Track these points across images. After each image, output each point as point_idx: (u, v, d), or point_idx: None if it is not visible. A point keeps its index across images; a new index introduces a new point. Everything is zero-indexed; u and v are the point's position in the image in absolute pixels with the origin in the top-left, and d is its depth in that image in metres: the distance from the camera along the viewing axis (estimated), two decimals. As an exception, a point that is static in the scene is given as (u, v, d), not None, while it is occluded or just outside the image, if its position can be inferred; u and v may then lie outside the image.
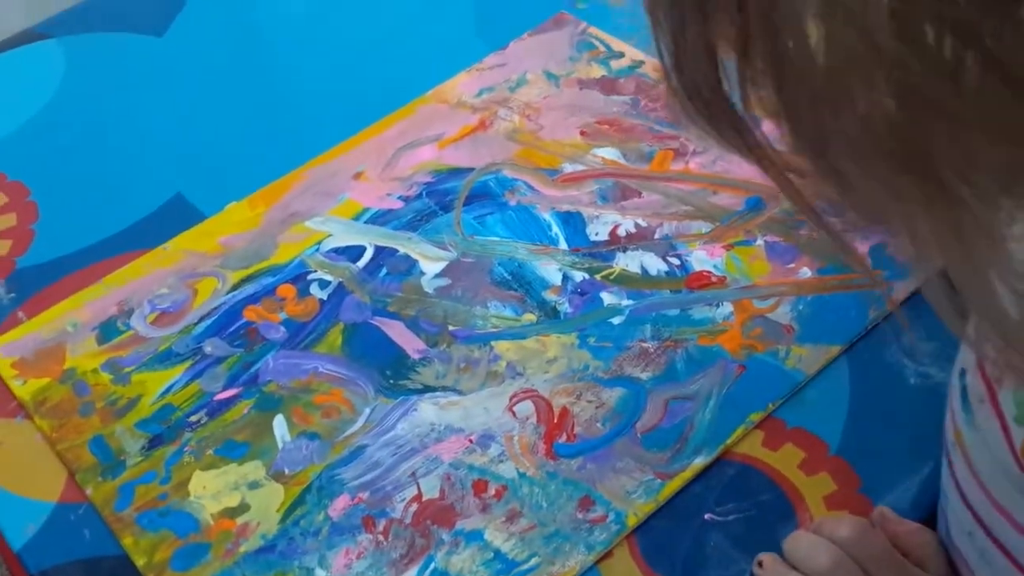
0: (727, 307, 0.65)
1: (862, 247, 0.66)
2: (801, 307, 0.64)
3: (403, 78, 0.82)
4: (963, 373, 0.47)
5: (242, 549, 0.56)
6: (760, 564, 0.52)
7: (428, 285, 0.68)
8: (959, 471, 0.48)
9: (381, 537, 0.56)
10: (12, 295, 0.70)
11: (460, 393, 0.62)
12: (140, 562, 0.56)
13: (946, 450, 0.49)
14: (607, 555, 0.54)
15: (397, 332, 0.66)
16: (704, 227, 0.69)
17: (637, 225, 0.70)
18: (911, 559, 0.51)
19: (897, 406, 0.59)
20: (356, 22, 0.89)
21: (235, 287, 0.69)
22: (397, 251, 0.70)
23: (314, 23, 0.89)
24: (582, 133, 0.77)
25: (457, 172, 0.75)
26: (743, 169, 0.71)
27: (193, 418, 0.62)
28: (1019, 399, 0.43)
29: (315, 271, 0.69)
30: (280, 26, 0.90)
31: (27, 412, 0.63)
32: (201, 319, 0.67)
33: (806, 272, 0.66)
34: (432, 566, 0.54)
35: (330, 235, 0.72)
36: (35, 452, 0.61)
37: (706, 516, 0.55)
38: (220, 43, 0.88)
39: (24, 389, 0.64)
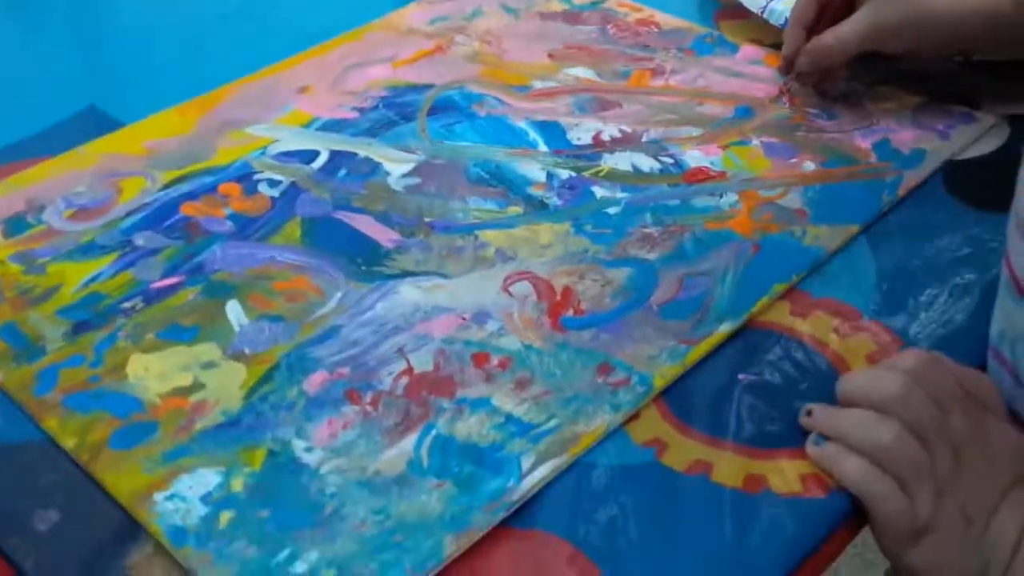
0: (732, 196, 0.64)
1: (864, 143, 0.67)
2: (811, 194, 0.64)
3: (341, 15, 0.81)
4: None
5: (198, 426, 0.50)
6: (809, 413, 0.50)
7: (396, 184, 0.65)
8: None
9: (370, 408, 0.51)
10: None
11: (445, 277, 0.59)
12: (69, 443, 0.50)
13: (1018, 288, 0.49)
14: (634, 417, 0.51)
15: (366, 224, 0.62)
16: (694, 131, 0.70)
17: (622, 131, 0.70)
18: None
19: (926, 272, 0.59)
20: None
21: (168, 186, 0.65)
22: (356, 155, 0.68)
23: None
24: (550, 56, 0.77)
25: (415, 88, 0.74)
26: (727, 85, 0.72)
27: (126, 304, 0.57)
28: None
29: (262, 172, 0.66)
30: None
31: (-83, 305, 0.57)
32: (128, 214, 0.63)
33: (810, 166, 0.66)
34: (434, 432, 0.50)
35: (277, 140, 0.69)
36: (-72, 343, 0.55)
37: (740, 377, 0.53)
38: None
39: (-88, 281, 0.57)
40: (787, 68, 0.72)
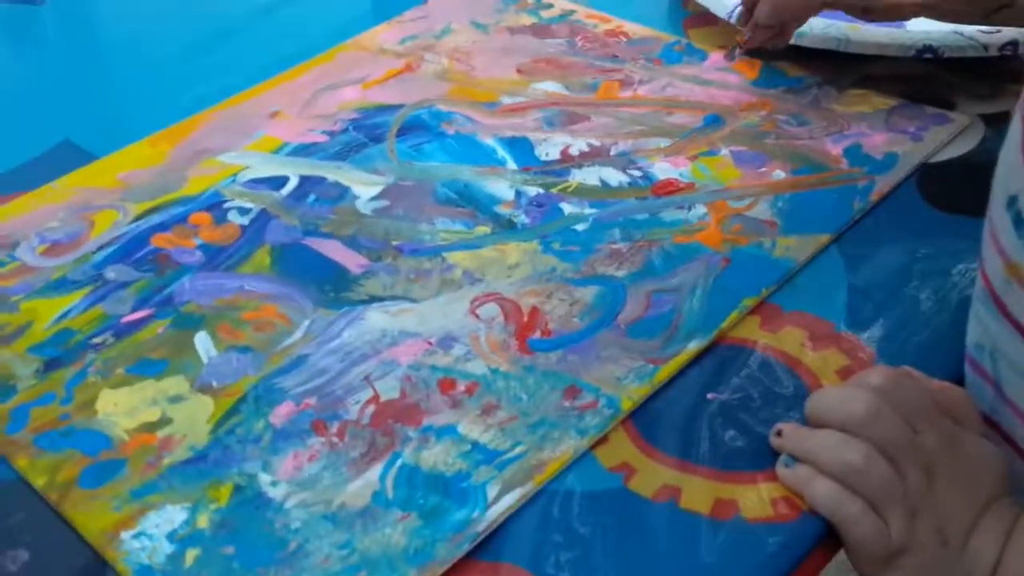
0: (700, 208, 0.63)
1: (835, 149, 0.66)
2: (780, 204, 0.63)
3: (310, 38, 0.80)
4: (1013, 200, 0.45)
5: (166, 462, 0.49)
6: (779, 433, 0.49)
7: (364, 207, 0.64)
8: (1018, 309, 0.46)
9: (336, 439, 0.50)
10: None
11: (413, 301, 0.58)
12: (39, 482, 0.49)
13: (992, 300, 0.48)
14: (602, 440, 0.50)
15: (334, 250, 0.61)
16: (663, 142, 0.68)
17: (590, 144, 0.68)
18: (948, 417, 0.48)
19: (899, 282, 0.57)
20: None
21: (139, 218, 0.64)
22: (325, 179, 0.66)
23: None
24: (519, 71, 0.76)
25: (385, 109, 0.72)
26: (695, 93, 0.71)
27: (97, 340, 0.56)
28: None
29: (232, 200, 0.65)
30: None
31: None
32: (100, 248, 0.62)
33: (780, 174, 0.65)
34: (399, 462, 0.49)
35: (247, 168, 0.67)
36: (-101, 386, 0.54)
37: (709, 396, 0.52)
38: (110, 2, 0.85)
39: None
40: (747, 19, 0.70)
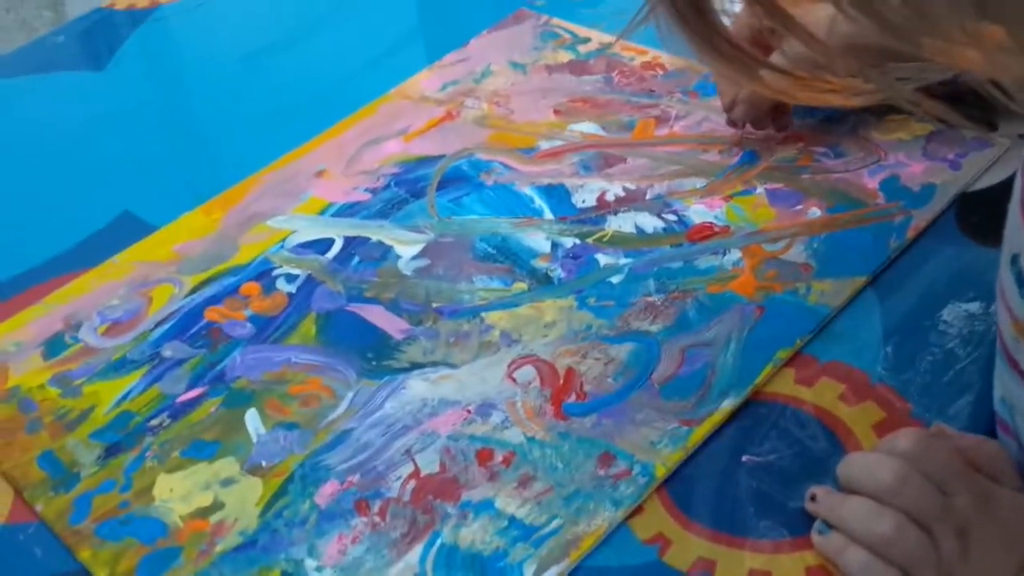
0: (735, 254, 0.61)
1: (871, 183, 0.63)
2: (816, 245, 0.60)
3: (355, 89, 0.79)
4: (1015, 259, 0.43)
5: (218, 549, 0.50)
6: (813, 498, 0.47)
7: (406, 267, 0.63)
8: None
9: (377, 518, 0.50)
10: (-54, 324, 0.65)
11: (452, 367, 0.57)
12: (101, 575, 0.49)
13: (1006, 356, 0.45)
14: (637, 510, 0.49)
15: (376, 315, 0.61)
16: (698, 183, 0.66)
17: (626, 189, 0.67)
18: (982, 473, 0.46)
19: (936, 327, 0.54)
20: (304, 39, 0.87)
21: (193, 291, 0.64)
22: (369, 239, 0.66)
23: (259, 46, 0.87)
24: (556, 112, 0.74)
25: (426, 161, 0.71)
26: (731, 129, 0.68)
27: (154, 422, 0.56)
28: None
29: (280, 267, 0.65)
30: (224, 52, 0.87)
31: (-35, 437, 0.57)
32: (157, 325, 0.62)
33: (815, 212, 0.62)
34: (439, 542, 0.48)
35: (295, 232, 0.67)
36: (-24, 476, 0.55)
37: (743, 458, 0.50)
38: (165, 68, 0.86)
39: (-39, 413, 0.58)
40: (730, 121, 0.67)
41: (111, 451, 0.55)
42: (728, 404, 0.52)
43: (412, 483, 0.51)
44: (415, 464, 0.52)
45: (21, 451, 0.56)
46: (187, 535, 0.51)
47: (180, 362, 0.60)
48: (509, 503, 0.50)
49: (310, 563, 0.49)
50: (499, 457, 0.52)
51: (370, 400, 0.56)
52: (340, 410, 0.55)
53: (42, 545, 0.51)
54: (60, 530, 0.52)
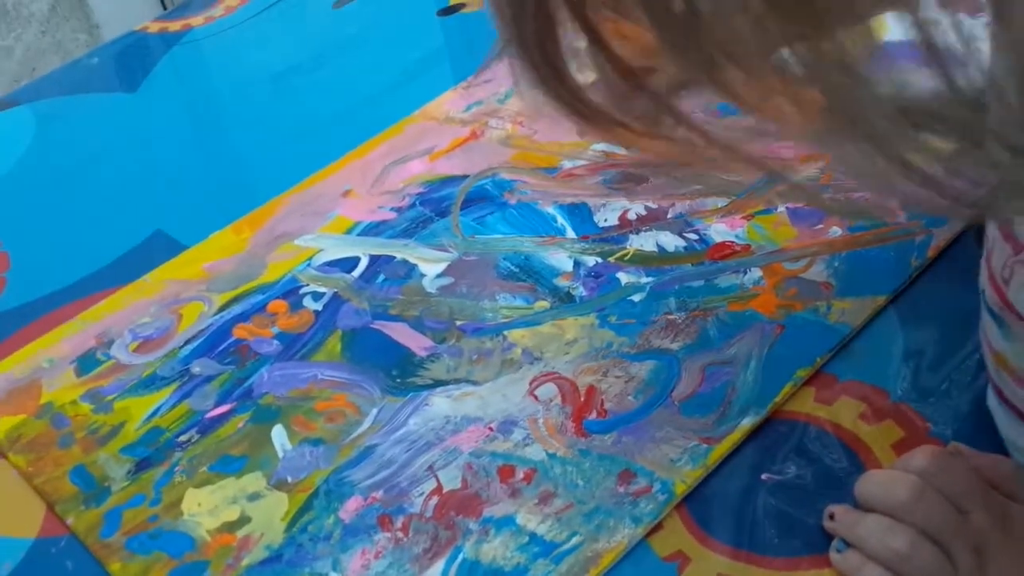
0: (756, 273, 0.61)
1: (893, 199, 0.63)
2: (837, 264, 0.60)
3: (381, 110, 0.80)
4: (982, 293, 0.44)
5: (244, 563, 0.51)
6: (831, 516, 0.47)
7: (430, 285, 0.64)
8: (1011, 392, 0.44)
9: (400, 534, 0.50)
10: (-19, 341, 0.66)
11: (475, 384, 0.57)
12: (130, 588, 0.50)
13: (993, 384, 0.46)
14: (657, 527, 0.49)
15: (401, 333, 0.61)
16: (720, 203, 0.66)
17: (648, 208, 0.67)
18: (999, 491, 0.46)
19: (956, 346, 0.54)
20: (331, 60, 0.88)
21: (222, 308, 0.65)
22: (394, 258, 0.67)
23: (287, 67, 0.88)
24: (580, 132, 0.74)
25: (451, 180, 0.72)
26: (754, 147, 0.69)
27: (183, 438, 0.57)
28: None
29: (307, 285, 0.66)
30: (253, 73, 0.88)
31: (1, 451, 0.58)
32: (187, 342, 0.63)
33: (836, 231, 0.62)
34: (460, 557, 0.49)
35: (321, 250, 0.68)
36: (10, 489, 0.56)
37: (763, 477, 0.50)
38: (195, 90, 0.87)
39: (-4, 428, 0.59)
40: None
41: (141, 466, 0.56)
42: (748, 422, 0.53)
43: (434, 499, 0.52)
44: (438, 480, 0.53)
45: (53, 465, 0.57)
46: (214, 549, 0.51)
47: (209, 379, 0.60)
48: (530, 519, 0.50)
49: (334, 577, 0.49)
50: (520, 474, 0.52)
51: (394, 416, 0.56)
52: (364, 426, 0.56)
53: (73, 558, 0.52)
54: (91, 544, 0.53)
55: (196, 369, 0.61)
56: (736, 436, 0.52)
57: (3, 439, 0.58)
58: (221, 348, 0.62)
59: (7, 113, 0.87)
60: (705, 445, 0.52)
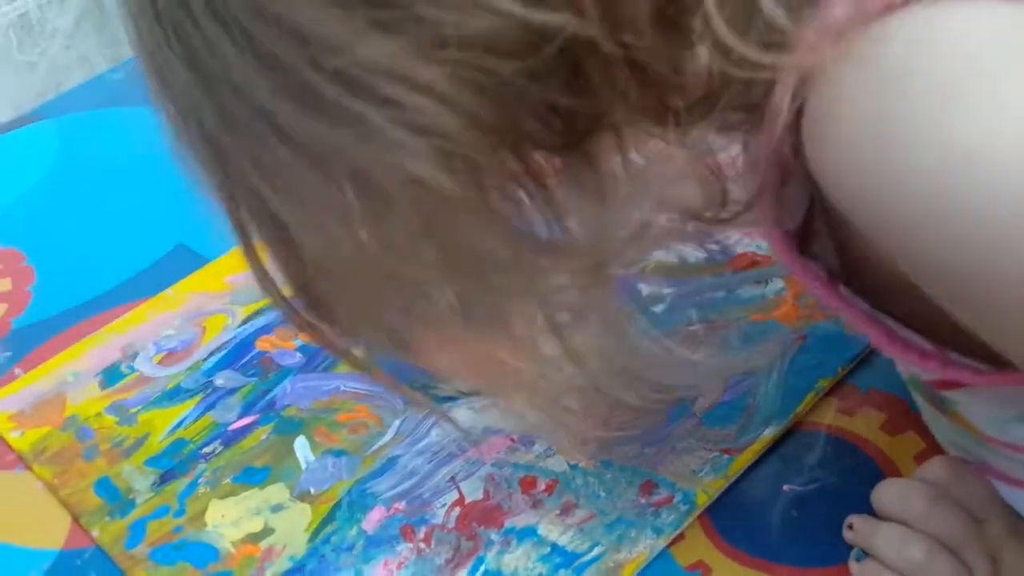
0: (777, 283, 0.61)
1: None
2: (858, 273, 0.61)
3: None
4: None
5: (268, 573, 0.52)
6: (850, 526, 0.48)
7: (452, 298, 0.65)
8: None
9: (423, 544, 0.51)
10: (8, 354, 0.67)
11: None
12: (155, 598, 0.51)
13: None
14: (679, 538, 0.50)
15: (423, 345, 0.62)
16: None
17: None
18: (1021, 506, 0.46)
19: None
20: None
21: (245, 321, 0.66)
22: (416, 270, 0.68)
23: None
24: (600, 143, 0.75)
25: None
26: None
27: (207, 449, 0.58)
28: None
29: (330, 297, 0.67)
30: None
31: (26, 463, 0.59)
32: (211, 354, 0.64)
33: (857, 241, 0.63)
34: (483, 568, 0.50)
35: (343, 263, 0.69)
36: (36, 501, 0.57)
37: (785, 488, 0.51)
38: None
39: (22, 440, 0.60)
40: None
41: (165, 477, 0.57)
42: (770, 433, 0.53)
43: (456, 510, 0.53)
44: (459, 491, 0.53)
45: (78, 477, 0.58)
46: (238, 560, 0.52)
47: (232, 391, 0.62)
48: (552, 530, 0.51)
49: (357, 588, 0.50)
50: (542, 485, 0.53)
51: (416, 428, 0.57)
52: (387, 438, 0.57)
53: (98, 570, 0.53)
54: (116, 555, 0.54)
55: (220, 381, 0.62)
56: (758, 447, 0.53)
57: (29, 451, 0.59)
58: (244, 360, 0.63)
59: (32, 128, 0.89)
60: (727, 456, 0.52)
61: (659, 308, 0.61)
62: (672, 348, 0.44)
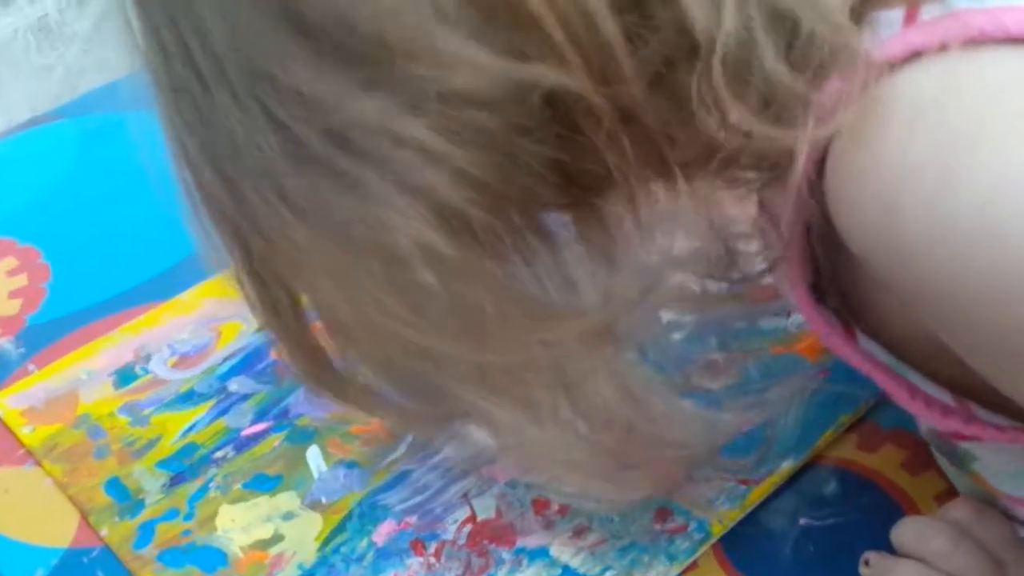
0: (800, 316, 0.62)
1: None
2: (881, 311, 0.61)
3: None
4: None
5: (277, 581, 0.52)
6: (866, 563, 0.48)
7: (471, 315, 0.66)
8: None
9: (433, 559, 0.52)
10: (22, 350, 0.68)
11: (513, 415, 0.59)
12: (161, 601, 0.52)
13: None
14: (692, 566, 0.50)
15: (440, 361, 0.63)
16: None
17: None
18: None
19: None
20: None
21: (261, 328, 0.67)
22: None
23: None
24: (625, 169, 0.76)
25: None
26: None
27: (218, 454, 0.59)
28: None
29: (348, 309, 0.67)
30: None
31: (36, 459, 0.60)
32: (225, 359, 0.65)
33: (881, 278, 0.64)
34: (493, 587, 0.50)
35: (363, 275, 0.70)
36: (45, 498, 0.58)
37: (801, 521, 0.51)
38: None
39: (33, 436, 0.61)
40: None
41: (176, 480, 0.58)
42: (788, 465, 0.54)
43: (468, 527, 0.53)
44: (471, 509, 0.54)
45: (88, 476, 0.58)
46: (246, 566, 0.53)
47: (246, 396, 0.62)
48: (563, 551, 0.51)
49: (366, 600, 0.50)
50: (555, 507, 0.53)
51: (429, 442, 0.58)
52: (400, 451, 0.58)
53: (105, 569, 0.54)
54: (123, 555, 0.54)
55: (233, 387, 0.63)
56: (775, 479, 0.53)
57: (39, 447, 0.60)
58: (259, 367, 0.64)
59: (53, 126, 0.90)
60: (743, 486, 0.53)
61: (678, 335, 0.62)
62: (685, 407, 0.44)
